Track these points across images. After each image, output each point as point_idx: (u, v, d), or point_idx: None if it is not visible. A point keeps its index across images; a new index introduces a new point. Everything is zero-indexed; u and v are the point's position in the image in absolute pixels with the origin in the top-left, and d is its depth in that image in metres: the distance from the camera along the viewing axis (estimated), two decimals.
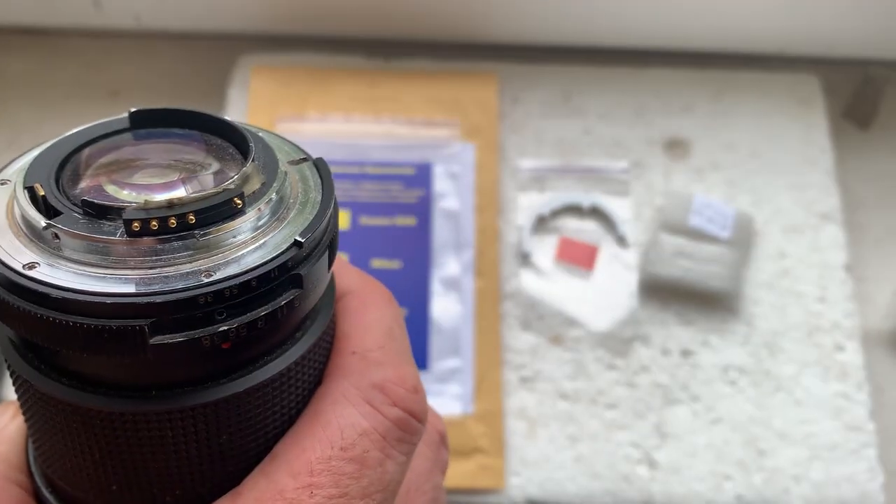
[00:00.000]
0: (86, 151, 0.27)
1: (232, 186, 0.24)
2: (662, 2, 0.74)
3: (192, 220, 0.23)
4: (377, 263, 0.66)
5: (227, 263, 0.23)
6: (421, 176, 0.69)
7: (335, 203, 0.26)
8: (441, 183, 0.69)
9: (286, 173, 0.26)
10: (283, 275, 0.24)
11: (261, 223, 0.24)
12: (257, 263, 0.23)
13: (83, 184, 0.25)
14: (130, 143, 0.27)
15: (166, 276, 0.23)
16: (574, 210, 0.70)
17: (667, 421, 0.64)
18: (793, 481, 0.62)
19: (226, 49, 0.75)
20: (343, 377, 0.27)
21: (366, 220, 0.68)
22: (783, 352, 0.66)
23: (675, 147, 0.73)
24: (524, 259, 0.68)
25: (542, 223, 0.70)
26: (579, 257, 0.68)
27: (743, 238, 0.68)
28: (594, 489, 0.61)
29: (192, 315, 0.23)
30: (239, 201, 0.24)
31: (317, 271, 0.25)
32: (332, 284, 0.29)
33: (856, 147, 0.76)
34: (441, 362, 0.64)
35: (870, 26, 0.75)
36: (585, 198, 0.70)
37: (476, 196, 0.69)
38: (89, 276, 0.23)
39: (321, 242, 0.25)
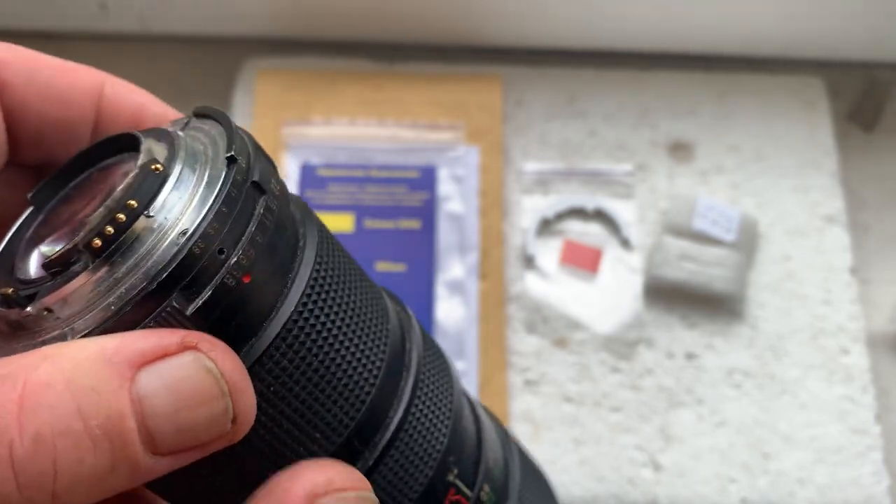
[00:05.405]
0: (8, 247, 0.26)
1: (141, 162, 0.24)
2: (666, 5, 0.74)
3: (134, 204, 0.23)
4: (382, 266, 0.67)
5: (193, 211, 0.23)
6: (425, 179, 0.70)
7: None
8: (445, 186, 0.69)
9: (180, 133, 0.26)
10: (242, 189, 0.24)
11: (190, 176, 0.24)
12: (214, 195, 0.23)
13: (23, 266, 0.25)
14: (44, 215, 0.27)
15: (161, 253, 0.22)
16: (578, 213, 0.70)
17: (671, 424, 0.64)
18: (798, 484, 0.62)
19: (231, 52, 0.75)
20: None
21: (370, 223, 0.68)
22: (788, 355, 0.66)
23: (680, 150, 0.73)
24: (528, 262, 0.68)
25: (546, 226, 0.70)
26: (583, 260, 0.68)
27: (747, 241, 0.68)
28: (599, 492, 0.61)
29: (204, 267, 0.22)
30: (158, 165, 0.23)
31: (265, 173, 0.25)
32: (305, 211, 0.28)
33: (860, 149, 0.76)
34: None
35: (875, 28, 0.75)
36: (589, 201, 0.70)
37: (480, 199, 0.69)
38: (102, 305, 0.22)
39: (252, 152, 0.25)
